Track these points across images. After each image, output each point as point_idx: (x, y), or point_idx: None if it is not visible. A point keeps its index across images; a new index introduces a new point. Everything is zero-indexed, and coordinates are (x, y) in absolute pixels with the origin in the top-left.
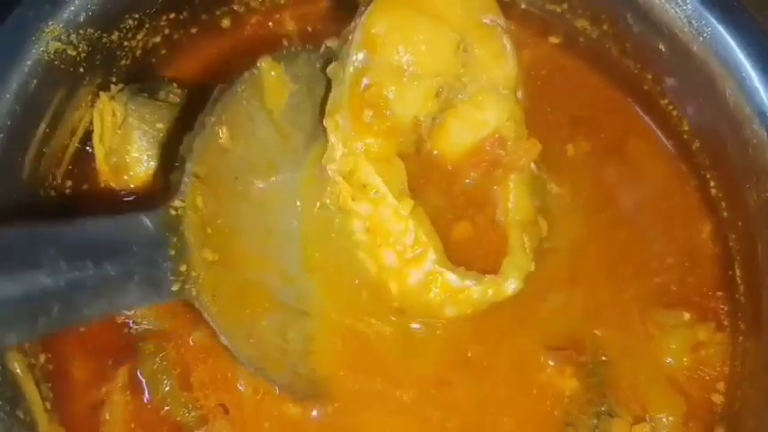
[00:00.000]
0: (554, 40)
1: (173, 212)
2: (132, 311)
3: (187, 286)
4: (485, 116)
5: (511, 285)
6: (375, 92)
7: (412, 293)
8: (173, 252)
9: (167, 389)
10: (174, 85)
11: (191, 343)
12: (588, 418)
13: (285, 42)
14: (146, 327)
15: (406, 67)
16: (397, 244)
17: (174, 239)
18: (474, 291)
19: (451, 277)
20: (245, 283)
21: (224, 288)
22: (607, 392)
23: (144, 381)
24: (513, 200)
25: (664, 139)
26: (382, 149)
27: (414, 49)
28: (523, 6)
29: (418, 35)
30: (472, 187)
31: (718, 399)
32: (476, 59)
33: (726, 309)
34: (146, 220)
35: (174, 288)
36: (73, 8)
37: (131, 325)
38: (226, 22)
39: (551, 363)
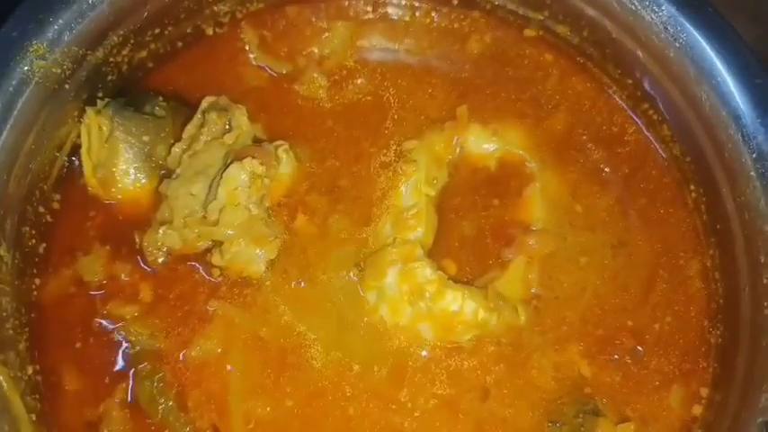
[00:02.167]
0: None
1: None
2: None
3: None
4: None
5: (522, 317)
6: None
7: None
8: None
9: (165, 409)
10: (160, 98)
11: (181, 360)
12: (573, 416)
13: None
14: (139, 348)
15: None
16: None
17: None
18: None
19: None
20: None
21: None
22: (593, 390)
23: (142, 404)
24: (509, 275)
25: (651, 142)
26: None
27: None
28: (501, 15)
29: None
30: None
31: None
32: None
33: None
34: None
35: None
36: (57, 27)
37: (125, 344)
38: (211, 34)
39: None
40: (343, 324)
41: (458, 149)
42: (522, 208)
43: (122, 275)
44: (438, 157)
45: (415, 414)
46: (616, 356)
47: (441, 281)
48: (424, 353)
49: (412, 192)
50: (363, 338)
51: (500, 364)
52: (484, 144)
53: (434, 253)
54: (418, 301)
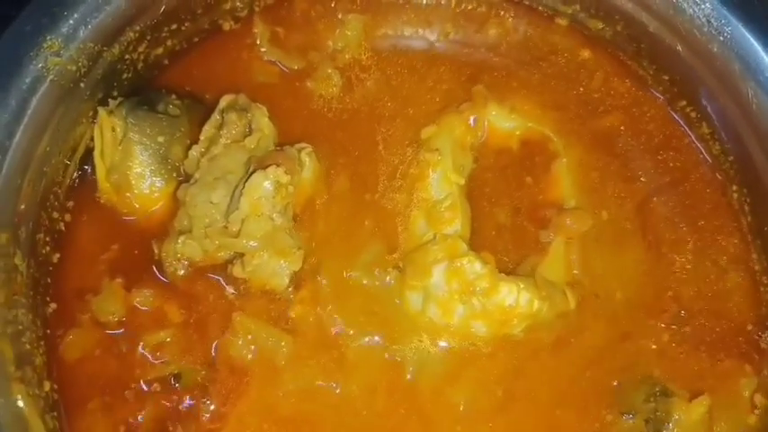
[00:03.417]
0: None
1: None
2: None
3: None
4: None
5: (572, 301)
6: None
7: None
8: None
9: None
10: (174, 96)
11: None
12: (644, 402)
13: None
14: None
15: None
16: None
17: None
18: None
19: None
20: None
21: None
22: (654, 372)
23: None
24: (550, 258)
25: (691, 141)
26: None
27: None
28: (529, 4)
29: None
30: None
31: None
32: None
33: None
34: None
35: None
36: (71, 22)
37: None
38: (228, 29)
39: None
40: (389, 329)
41: (479, 133)
42: (552, 186)
43: (142, 305)
44: (460, 142)
45: (480, 413)
46: (673, 326)
47: (492, 275)
48: (481, 349)
49: (441, 182)
50: (412, 342)
51: (556, 352)
52: (504, 123)
53: (472, 245)
54: (470, 299)
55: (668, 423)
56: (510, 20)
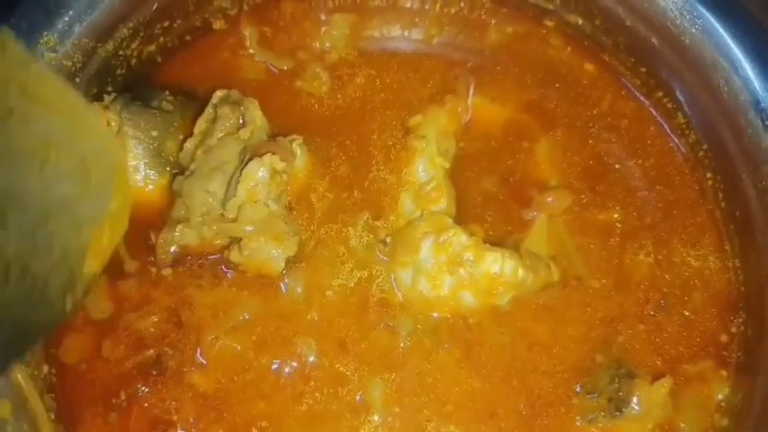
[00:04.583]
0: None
1: None
2: None
3: None
4: None
5: (555, 274)
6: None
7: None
8: None
9: None
10: (167, 92)
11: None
12: (608, 383)
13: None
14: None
15: None
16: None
17: None
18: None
19: (509, 268)
20: None
21: None
22: (623, 355)
23: None
24: (534, 233)
25: (666, 130)
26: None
27: None
28: (514, 3)
29: None
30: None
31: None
32: None
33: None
34: None
35: None
36: (67, 18)
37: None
38: (219, 27)
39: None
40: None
41: (463, 117)
42: (535, 166)
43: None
44: (444, 129)
45: (468, 381)
46: (651, 312)
47: (478, 246)
48: (468, 320)
49: (428, 166)
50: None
51: (539, 324)
52: (487, 109)
53: (458, 221)
54: (458, 269)
55: (629, 402)
56: (495, 22)
